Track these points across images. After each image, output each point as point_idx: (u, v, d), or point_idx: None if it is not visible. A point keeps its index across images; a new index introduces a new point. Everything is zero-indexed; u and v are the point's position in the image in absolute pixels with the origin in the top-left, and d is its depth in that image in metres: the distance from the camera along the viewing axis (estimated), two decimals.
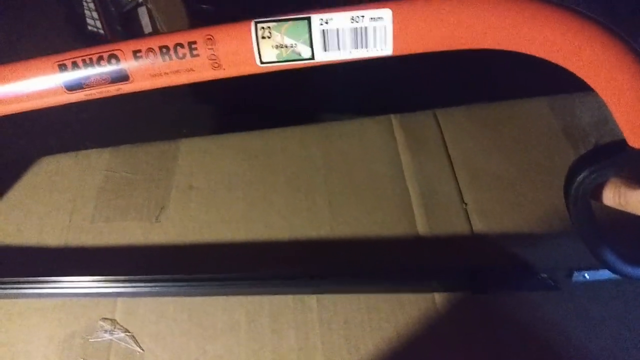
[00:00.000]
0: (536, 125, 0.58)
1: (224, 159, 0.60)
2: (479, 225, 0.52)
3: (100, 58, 0.36)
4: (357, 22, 0.35)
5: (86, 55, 0.36)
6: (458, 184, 0.55)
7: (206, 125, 0.84)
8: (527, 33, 0.34)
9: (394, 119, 0.61)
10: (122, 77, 0.36)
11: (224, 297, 0.51)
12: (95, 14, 1.24)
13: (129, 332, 0.49)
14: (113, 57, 0.35)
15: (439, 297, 0.49)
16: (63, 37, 1.35)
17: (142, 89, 0.37)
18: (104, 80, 0.36)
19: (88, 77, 0.36)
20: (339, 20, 0.35)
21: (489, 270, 0.50)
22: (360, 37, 0.35)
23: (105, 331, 0.50)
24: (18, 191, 0.59)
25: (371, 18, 0.35)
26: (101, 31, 1.27)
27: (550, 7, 0.35)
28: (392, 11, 0.35)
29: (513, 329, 0.46)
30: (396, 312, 0.48)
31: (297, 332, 0.48)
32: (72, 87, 0.37)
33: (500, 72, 0.63)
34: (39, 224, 0.56)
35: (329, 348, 0.47)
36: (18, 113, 0.39)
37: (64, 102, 0.37)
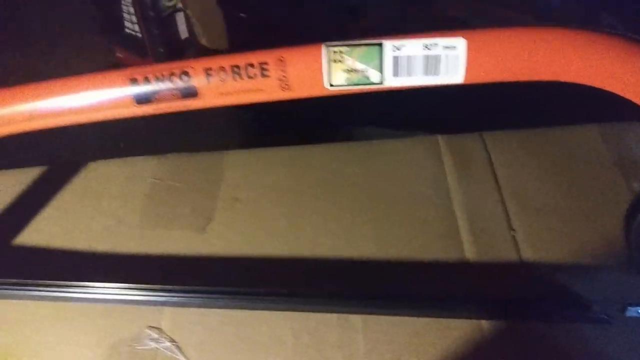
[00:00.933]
0: (586, 154, 0.58)
1: (269, 174, 0.60)
2: (528, 253, 0.52)
3: (172, 74, 0.36)
4: (429, 49, 0.35)
5: (158, 71, 0.36)
6: (506, 209, 0.55)
7: (251, 138, 0.85)
8: (607, 69, 0.34)
9: (441, 140, 0.61)
10: (192, 94, 0.37)
11: (269, 311, 0.51)
12: (133, 17, 1.25)
13: (175, 341, 0.49)
14: (185, 73, 0.36)
15: (486, 324, 0.48)
16: (99, 38, 1.37)
17: (210, 106, 0.37)
18: (173, 95, 0.36)
19: (158, 92, 0.36)
20: (412, 47, 0.35)
21: (539, 300, 0.49)
22: (431, 64, 0.35)
23: (152, 339, 0.50)
24: (67, 196, 0.60)
25: (444, 46, 0.35)
26: (139, 34, 1.28)
27: (621, 40, 0.35)
28: (467, 41, 0.35)
29: None
30: (442, 337, 0.48)
31: (342, 351, 0.48)
32: (141, 101, 0.37)
33: (549, 97, 0.63)
34: (87, 229, 0.57)
35: None
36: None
37: (133, 115, 0.38)
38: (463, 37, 0.34)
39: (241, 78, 0.36)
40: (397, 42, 0.35)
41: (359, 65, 0.35)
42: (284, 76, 0.36)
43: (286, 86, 0.36)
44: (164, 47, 1.28)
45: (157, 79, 0.36)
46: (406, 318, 0.49)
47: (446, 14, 0.78)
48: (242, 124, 0.89)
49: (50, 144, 0.67)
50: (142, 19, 1.25)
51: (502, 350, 0.46)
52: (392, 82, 0.36)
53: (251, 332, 0.50)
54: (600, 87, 0.35)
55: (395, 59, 0.35)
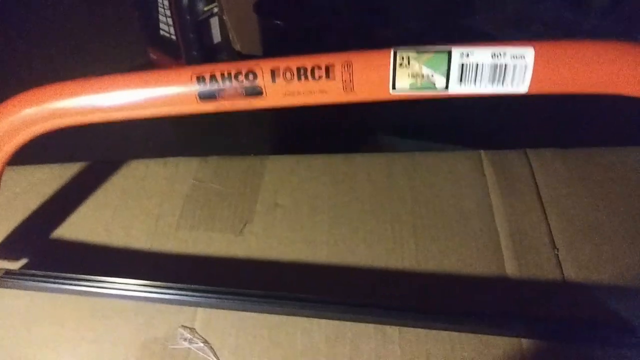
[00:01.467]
0: (632, 175, 0.57)
1: (309, 180, 0.60)
2: (571, 273, 0.51)
3: (238, 73, 0.36)
4: (497, 58, 0.35)
5: (225, 69, 0.36)
6: (549, 227, 0.54)
7: (294, 144, 0.85)
8: None
9: (484, 155, 0.60)
10: (257, 92, 0.36)
11: (304, 318, 0.50)
12: (170, 20, 1.27)
13: (208, 342, 0.49)
14: (251, 72, 0.36)
15: (526, 343, 0.47)
16: (134, 39, 1.39)
17: (274, 106, 0.37)
18: (238, 93, 0.36)
19: (223, 90, 0.36)
20: (480, 55, 0.35)
21: (581, 321, 0.48)
22: (498, 72, 0.35)
23: (185, 339, 0.49)
24: (108, 192, 0.60)
25: (513, 56, 0.34)
26: (173, 37, 1.30)
27: None
28: (535, 50, 0.34)
29: None
30: (481, 353, 0.47)
31: None
32: (205, 97, 0.37)
33: (594, 115, 0.62)
34: (126, 226, 0.57)
35: None
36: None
37: (196, 112, 0.38)
38: (532, 46, 0.34)
39: (307, 79, 0.36)
40: (466, 50, 0.34)
41: (426, 71, 0.35)
42: (349, 78, 0.36)
43: (350, 89, 0.36)
44: (198, 50, 1.29)
45: (224, 76, 0.36)
46: (444, 332, 0.48)
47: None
48: (285, 129, 0.89)
49: (92, 141, 0.68)
50: (178, 22, 1.26)
51: None
52: (456, 89, 0.36)
53: (285, 337, 0.49)
54: None
55: (463, 66, 0.35)
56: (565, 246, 0.53)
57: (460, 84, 0.36)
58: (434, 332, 0.48)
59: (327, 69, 0.35)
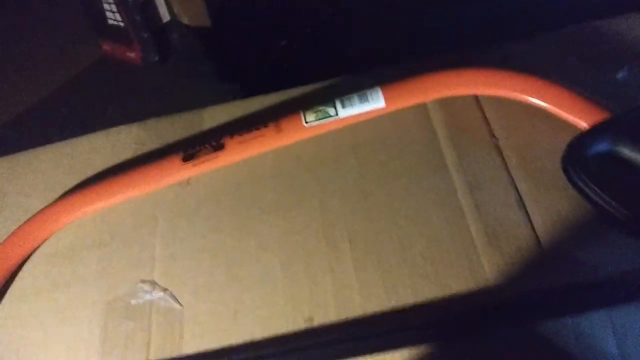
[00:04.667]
0: None
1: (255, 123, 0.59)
2: None
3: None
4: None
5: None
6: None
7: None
8: None
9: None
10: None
11: (261, 249, 0.51)
12: (114, 7, 1.26)
13: (168, 290, 0.50)
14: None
15: None
16: (84, 31, 1.38)
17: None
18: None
19: None
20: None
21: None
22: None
23: (146, 292, 0.51)
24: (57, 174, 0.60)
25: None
26: (122, 24, 1.29)
27: None
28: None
29: None
30: None
31: None
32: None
33: None
34: None
35: None
36: None
37: None
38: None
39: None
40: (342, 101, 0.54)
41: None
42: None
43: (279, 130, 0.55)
44: (147, 32, 1.28)
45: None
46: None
47: None
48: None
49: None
50: (122, 7, 1.25)
51: None
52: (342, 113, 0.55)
53: (239, 269, 0.50)
54: None
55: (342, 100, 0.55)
56: None
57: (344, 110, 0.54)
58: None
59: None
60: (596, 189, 0.46)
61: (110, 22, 1.30)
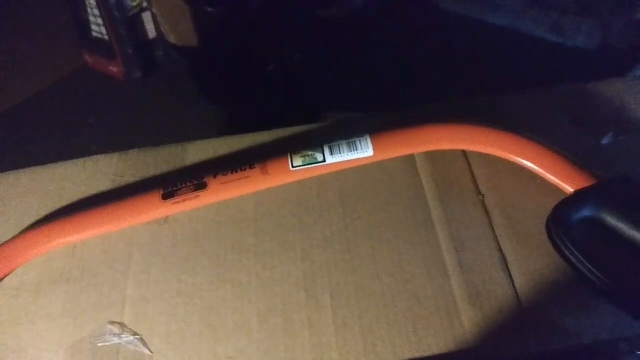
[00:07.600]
0: None
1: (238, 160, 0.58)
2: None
3: None
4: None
5: None
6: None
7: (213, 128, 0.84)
8: None
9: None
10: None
11: (235, 298, 0.49)
12: (100, 20, 1.24)
13: (138, 334, 0.48)
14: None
15: None
16: (68, 42, 1.35)
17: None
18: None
19: None
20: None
21: None
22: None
23: (114, 335, 0.48)
24: (28, 201, 0.58)
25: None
26: (106, 37, 1.27)
27: None
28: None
29: None
30: None
31: None
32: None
33: None
34: None
35: None
36: None
37: None
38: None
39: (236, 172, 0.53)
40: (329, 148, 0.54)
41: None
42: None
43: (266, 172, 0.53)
44: (132, 48, 1.26)
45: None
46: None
47: None
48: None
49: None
50: (108, 20, 1.23)
51: None
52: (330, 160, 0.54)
53: (217, 318, 0.48)
54: None
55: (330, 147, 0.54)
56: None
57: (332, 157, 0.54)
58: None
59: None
60: (579, 256, 0.46)
61: (95, 34, 1.28)
